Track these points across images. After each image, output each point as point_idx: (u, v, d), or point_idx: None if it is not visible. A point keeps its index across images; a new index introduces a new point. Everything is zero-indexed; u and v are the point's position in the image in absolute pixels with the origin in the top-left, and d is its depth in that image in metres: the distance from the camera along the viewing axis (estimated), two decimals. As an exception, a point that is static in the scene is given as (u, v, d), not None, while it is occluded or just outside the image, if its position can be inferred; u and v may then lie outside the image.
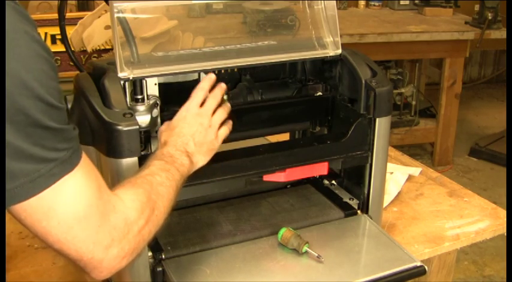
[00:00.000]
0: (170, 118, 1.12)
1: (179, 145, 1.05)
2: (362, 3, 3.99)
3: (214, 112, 1.12)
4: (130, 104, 1.11)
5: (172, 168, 0.99)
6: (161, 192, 0.92)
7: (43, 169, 0.71)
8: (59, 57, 1.84)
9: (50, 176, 0.72)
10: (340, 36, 1.28)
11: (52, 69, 0.72)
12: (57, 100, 0.72)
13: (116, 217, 0.80)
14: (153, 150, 1.17)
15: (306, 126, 1.44)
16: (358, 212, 1.34)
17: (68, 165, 0.74)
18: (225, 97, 1.30)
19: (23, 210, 0.72)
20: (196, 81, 1.31)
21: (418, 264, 1.16)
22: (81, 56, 1.86)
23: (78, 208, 0.75)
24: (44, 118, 0.70)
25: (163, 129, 1.10)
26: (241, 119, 1.24)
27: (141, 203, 0.86)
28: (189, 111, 1.10)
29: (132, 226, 0.83)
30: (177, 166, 1.01)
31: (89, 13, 1.84)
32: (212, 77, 1.13)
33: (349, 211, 1.33)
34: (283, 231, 1.20)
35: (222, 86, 1.14)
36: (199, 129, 1.08)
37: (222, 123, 1.13)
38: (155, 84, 1.15)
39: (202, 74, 1.31)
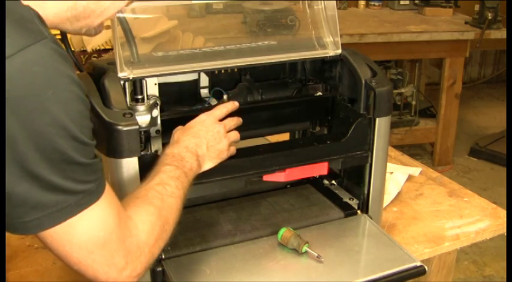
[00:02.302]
0: (170, 118, 1.12)
1: (191, 146, 1.07)
2: (362, 3, 3.99)
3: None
4: (130, 104, 1.11)
5: (182, 175, 1.01)
6: (171, 205, 0.96)
7: (72, 200, 0.76)
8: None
9: (77, 206, 0.77)
10: (340, 36, 1.28)
11: (86, 108, 0.77)
12: (89, 138, 0.77)
13: (131, 242, 0.85)
14: (152, 150, 1.18)
15: (306, 126, 1.44)
16: (358, 212, 1.34)
17: (94, 195, 0.79)
18: (225, 97, 1.30)
19: (49, 235, 0.77)
20: (196, 81, 1.31)
21: (418, 264, 1.16)
22: (81, 56, 1.86)
23: (100, 235, 0.80)
24: (76, 155, 0.74)
25: (179, 128, 1.12)
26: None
27: (152, 225, 0.90)
28: (208, 117, 1.13)
29: (144, 248, 0.88)
30: (186, 171, 1.03)
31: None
32: (236, 104, 1.18)
33: (349, 211, 1.33)
34: (283, 231, 1.20)
35: (240, 119, 1.18)
36: (215, 136, 1.11)
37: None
38: (155, 84, 1.15)
39: (202, 74, 1.31)
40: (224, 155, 1.13)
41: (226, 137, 1.13)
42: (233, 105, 1.18)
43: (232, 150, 1.15)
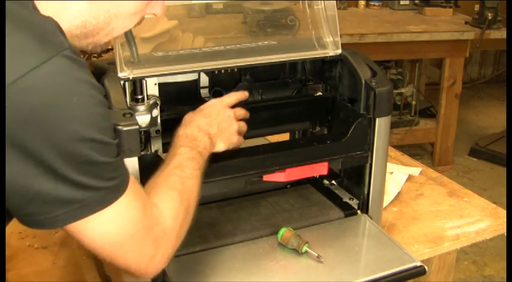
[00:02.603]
0: (170, 118, 1.12)
1: (203, 125, 1.10)
2: (362, 3, 3.99)
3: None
4: (130, 104, 1.11)
5: (197, 156, 1.04)
6: (191, 187, 0.99)
7: (98, 195, 0.78)
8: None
9: (103, 201, 0.79)
10: (340, 36, 1.28)
11: (106, 109, 0.80)
12: (111, 137, 0.79)
13: (158, 229, 0.88)
14: (152, 150, 1.18)
15: (306, 126, 1.44)
16: (358, 212, 1.34)
17: (119, 190, 0.81)
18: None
19: (77, 230, 0.79)
20: (196, 81, 1.31)
21: (418, 264, 1.16)
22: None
23: (127, 227, 0.83)
24: (100, 156, 0.77)
25: (190, 112, 1.14)
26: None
27: (176, 210, 0.93)
28: (219, 102, 1.16)
29: (171, 233, 0.91)
30: (201, 150, 1.06)
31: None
32: (246, 94, 1.22)
33: (349, 211, 1.33)
34: (283, 231, 1.20)
35: (247, 112, 1.21)
36: (226, 119, 1.14)
37: None
38: (155, 84, 1.15)
39: (202, 74, 1.31)
40: (234, 139, 1.15)
41: (237, 123, 1.15)
42: (243, 94, 1.21)
43: (241, 139, 1.17)
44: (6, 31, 0.70)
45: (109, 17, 0.86)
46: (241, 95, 1.21)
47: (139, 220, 0.84)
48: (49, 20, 0.76)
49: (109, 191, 0.79)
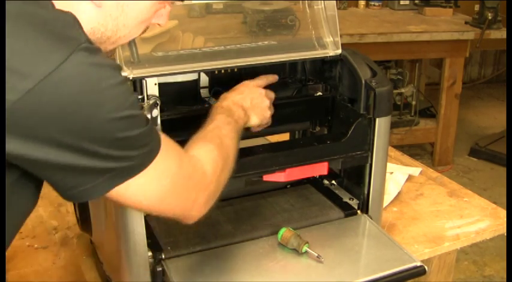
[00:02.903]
0: (170, 118, 1.12)
1: (237, 100, 1.16)
2: (362, 3, 3.99)
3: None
4: (130, 104, 1.11)
5: (233, 122, 1.10)
6: (228, 144, 1.04)
7: (135, 162, 0.82)
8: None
9: (142, 165, 0.83)
10: (340, 36, 1.28)
11: (127, 83, 0.83)
12: (138, 109, 0.83)
13: (196, 175, 0.94)
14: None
15: (306, 126, 1.44)
16: (358, 212, 1.34)
17: (154, 151, 0.85)
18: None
19: (121, 194, 0.84)
20: (196, 81, 1.31)
21: (418, 264, 1.16)
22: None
23: (167, 181, 0.88)
24: (132, 130, 0.80)
25: (225, 92, 1.20)
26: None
27: (213, 156, 0.98)
28: (251, 83, 1.22)
29: (211, 177, 0.96)
30: (236, 119, 1.12)
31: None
32: (276, 77, 1.29)
33: (349, 211, 1.33)
34: (283, 231, 1.20)
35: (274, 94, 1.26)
36: (258, 95, 1.20)
37: None
38: (155, 84, 1.15)
39: (202, 74, 1.31)
40: (267, 114, 1.21)
41: (268, 100, 1.21)
42: (273, 77, 1.28)
43: (270, 120, 1.23)
44: (26, 31, 0.72)
45: (117, 25, 0.88)
46: (271, 77, 1.27)
47: (177, 172, 0.89)
48: (69, 14, 0.78)
49: (145, 155, 0.83)
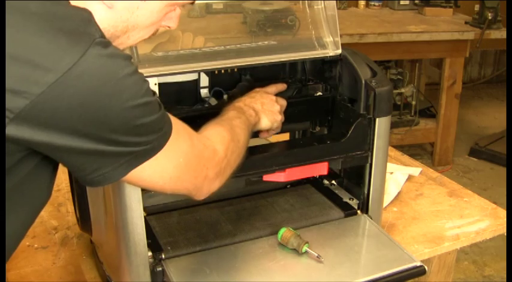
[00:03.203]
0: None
1: (248, 102, 1.20)
2: (362, 3, 3.99)
3: None
4: (130, 104, 1.11)
5: (244, 118, 1.14)
6: (239, 133, 1.08)
7: (151, 145, 0.86)
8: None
9: (157, 148, 0.87)
10: (340, 36, 1.28)
11: (139, 71, 0.83)
12: (151, 95, 0.85)
13: (207, 152, 0.97)
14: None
15: (306, 126, 1.44)
16: (358, 212, 1.34)
17: (167, 133, 0.89)
18: (225, 97, 1.30)
19: (138, 176, 0.87)
20: (196, 81, 1.31)
21: (418, 264, 1.16)
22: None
23: (180, 161, 0.92)
24: (148, 117, 0.83)
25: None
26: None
27: (223, 136, 1.03)
28: (263, 90, 1.26)
29: (220, 154, 1.00)
30: (247, 116, 1.16)
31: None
32: (285, 85, 1.33)
33: (349, 211, 1.33)
34: (283, 231, 1.20)
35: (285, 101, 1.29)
36: (268, 101, 1.23)
37: None
38: (155, 84, 1.15)
39: (202, 74, 1.31)
40: (278, 118, 1.24)
41: (279, 106, 1.24)
42: (282, 85, 1.32)
43: (280, 125, 1.26)
44: (47, 28, 0.75)
45: (126, 27, 0.89)
46: (281, 86, 1.31)
47: (188, 151, 0.93)
48: (85, 10, 0.80)
49: (160, 138, 0.87)
